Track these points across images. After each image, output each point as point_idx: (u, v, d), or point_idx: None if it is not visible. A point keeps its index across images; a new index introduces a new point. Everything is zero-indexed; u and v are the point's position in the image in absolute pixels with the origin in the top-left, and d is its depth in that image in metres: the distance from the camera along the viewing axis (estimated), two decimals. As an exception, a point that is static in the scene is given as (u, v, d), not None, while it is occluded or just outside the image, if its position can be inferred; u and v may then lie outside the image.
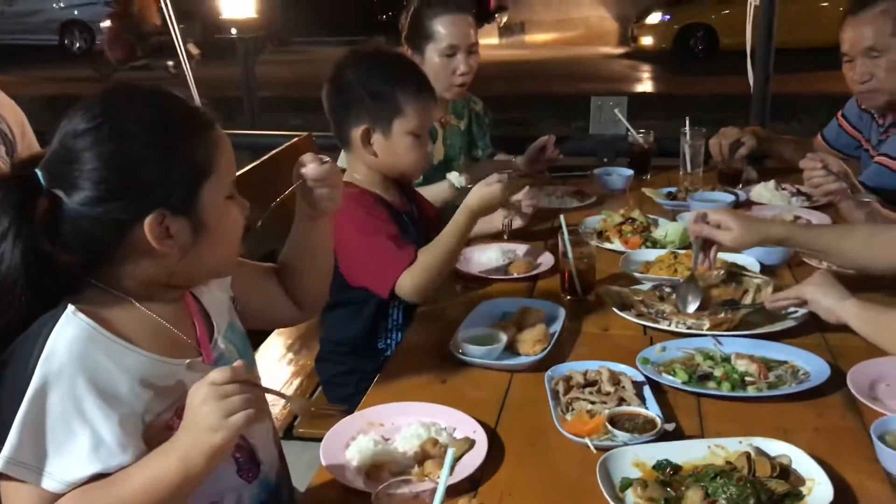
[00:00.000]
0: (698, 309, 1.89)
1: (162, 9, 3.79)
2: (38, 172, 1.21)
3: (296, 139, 3.48)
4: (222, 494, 1.37)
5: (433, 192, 2.54)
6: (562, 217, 2.08)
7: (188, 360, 1.30)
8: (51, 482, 1.14)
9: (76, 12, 15.87)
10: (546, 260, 2.29)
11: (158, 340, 1.28)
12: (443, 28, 2.73)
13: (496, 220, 2.32)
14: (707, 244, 1.95)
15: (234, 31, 4.20)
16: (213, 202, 1.27)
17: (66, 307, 1.19)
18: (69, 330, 1.18)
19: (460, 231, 2.01)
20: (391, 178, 2.17)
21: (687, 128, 3.11)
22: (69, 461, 1.15)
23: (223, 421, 1.14)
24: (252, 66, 4.49)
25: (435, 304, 2.09)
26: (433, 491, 1.14)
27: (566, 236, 2.04)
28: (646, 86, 11.86)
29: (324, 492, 1.37)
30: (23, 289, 1.19)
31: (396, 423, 1.53)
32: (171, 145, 1.23)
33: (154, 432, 1.23)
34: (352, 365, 2.20)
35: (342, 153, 2.25)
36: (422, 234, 2.22)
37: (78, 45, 15.86)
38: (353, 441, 1.48)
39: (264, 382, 1.29)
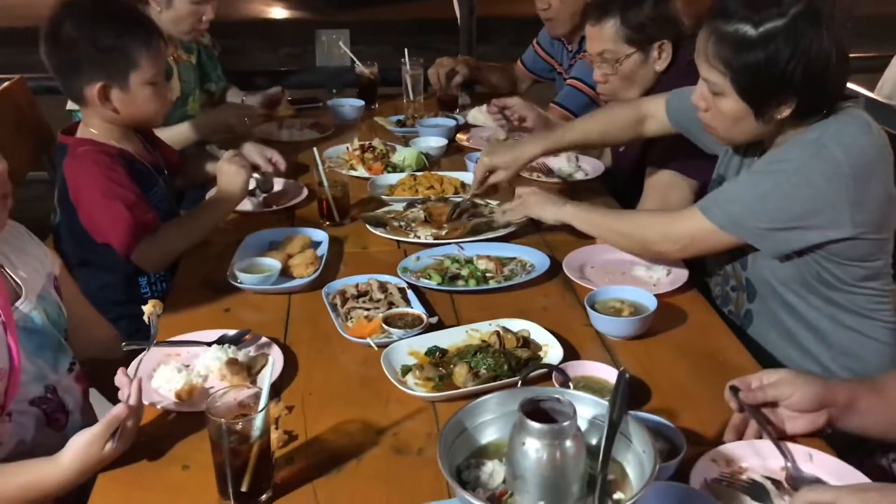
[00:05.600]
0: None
1: None
2: None
3: (6, 84, 3.25)
4: (32, 447, 1.44)
5: (171, 135, 2.55)
6: (315, 150, 2.26)
7: None
8: None
9: None
10: (300, 191, 2.46)
11: None
12: None
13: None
14: (485, 178, 2.24)
15: None
16: None
17: None
18: None
19: (218, 216, 2.14)
20: (131, 127, 2.15)
21: (406, 59, 3.38)
22: None
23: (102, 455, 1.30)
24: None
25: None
26: (255, 395, 1.32)
27: (320, 167, 2.22)
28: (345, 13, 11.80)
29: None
30: None
31: (193, 351, 1.65)
32: None
33: None
34: (119, 312, 2.21)
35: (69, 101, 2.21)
36: (168, 181, 2.25)
37: None
38: (155, 372, 1.57)
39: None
